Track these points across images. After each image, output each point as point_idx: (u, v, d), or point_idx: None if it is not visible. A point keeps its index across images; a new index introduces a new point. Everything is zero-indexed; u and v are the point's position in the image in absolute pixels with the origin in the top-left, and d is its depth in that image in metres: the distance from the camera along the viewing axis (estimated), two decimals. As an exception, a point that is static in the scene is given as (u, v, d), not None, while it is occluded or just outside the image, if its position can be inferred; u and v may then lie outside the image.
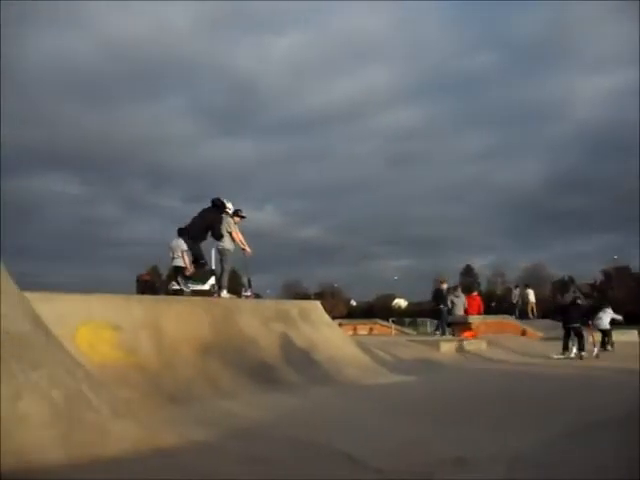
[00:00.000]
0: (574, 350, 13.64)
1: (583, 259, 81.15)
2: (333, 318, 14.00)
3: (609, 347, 15.70)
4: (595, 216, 79.40)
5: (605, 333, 15.87)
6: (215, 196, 11.24)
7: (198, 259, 11.01)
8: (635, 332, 20.07)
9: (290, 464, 4.04)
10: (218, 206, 11.00)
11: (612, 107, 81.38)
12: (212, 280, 11.07)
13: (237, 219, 11.14)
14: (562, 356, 13.56)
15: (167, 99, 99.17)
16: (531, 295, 24.97)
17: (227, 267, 10.89)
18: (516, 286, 28.66)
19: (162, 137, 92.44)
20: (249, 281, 11.88)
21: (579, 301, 14.67)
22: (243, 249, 11.10)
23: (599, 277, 63.48)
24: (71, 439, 3.62)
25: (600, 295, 60.59)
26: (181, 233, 11.74)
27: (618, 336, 20.98)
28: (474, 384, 9.00)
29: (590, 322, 15.40)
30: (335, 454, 4.22)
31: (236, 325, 8.65)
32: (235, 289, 11.89)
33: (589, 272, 65.75)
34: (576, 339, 13.73)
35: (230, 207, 11.13)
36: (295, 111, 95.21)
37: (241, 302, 10.72)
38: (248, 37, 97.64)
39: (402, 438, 4.84)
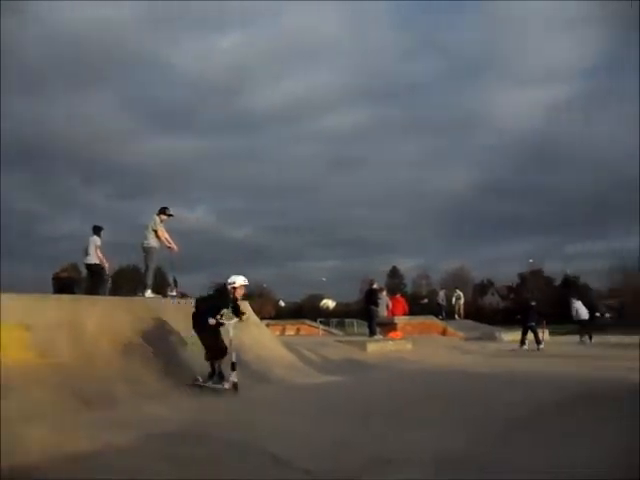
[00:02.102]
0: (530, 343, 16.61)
1: (503, 263, 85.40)
2: (261, 319, 13.87)
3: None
4: (515, 223, 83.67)
5: (532, 330, 17.39)
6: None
7: None
8: (546, 332, 21.33)
9: (217, 465, 3.95)
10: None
11: (539, 120, 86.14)
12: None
13: (164, 217, 10.78)
14: (524, 348, 16.46)
15: (104, 94, 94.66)
16: (461, 297, 25.96)
17: (151, 265, 10.52)
18: (442, 288, 29.68)
19: (97, 133, 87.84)
20: (175, 280, 11.52)
21: (533, 303, 18.12)
22: (169, 247, 10.75)
23: (516, 280, 67.08)
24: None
25: (516, 297, 64.18)
26: (96, 230, 11.35)
27: (530, 335, 22.23)
28: (400, 384, 9.20)
29: (544, 321, 18.53)
30: (263, 455, 4.16)
31: (161, 325, 8.38)
32: (160, 288, 11.51)
33: (507, 275, 69.47)
34: (533, 335, 16.71)
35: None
36: (235, 110, 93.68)
37: (166, 302, 10.39)
38: (190, 34, 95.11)
39: (330, 438, 4.84)
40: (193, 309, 7.68)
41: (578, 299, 20.76)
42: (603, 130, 79.62)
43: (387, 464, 4.04)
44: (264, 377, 8.54)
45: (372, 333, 16.42)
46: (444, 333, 20.52)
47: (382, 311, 17.82)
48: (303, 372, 9.63)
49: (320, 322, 36.72)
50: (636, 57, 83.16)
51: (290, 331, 28.81)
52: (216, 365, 7.46)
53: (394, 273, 72.55)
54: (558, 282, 63.25)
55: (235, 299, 7.77)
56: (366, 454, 4.29)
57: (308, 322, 35.51)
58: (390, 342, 15.23)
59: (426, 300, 27.23)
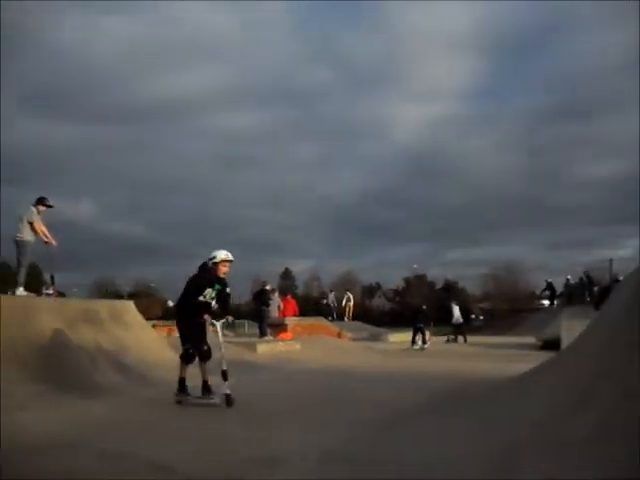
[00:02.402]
0: (419, 343, 18.33)
1: (389, 267, 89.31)
2: (147, 319, 13.29)
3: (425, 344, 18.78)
4: (402, 229, 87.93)
5: (421, 331, 18.91)
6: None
7: None
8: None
9: (92, 476, 3.71)
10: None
11: (427, 134, 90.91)
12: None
13: (42, 208, 9.93)
14: (415, 348, 18.06)
15: None
16: (351, 299, 26.70)
17: (25, 261, 9.65)
18: (331, 290, 30.34)
19: None
20: (52, 278, 10.68)
21: (424, 307, 19.84)
22: (46, 242, 9.91)
23: (401, 284, 70.51)
24: None
25: (401, 299, 67.46)
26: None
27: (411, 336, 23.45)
28: (288, 384, 9.25)
29: (432, 323, 20.25)
30: (142, 463, 3.98)
31: (34, 327, 7.70)
32: (34, 286, 10.58)
33: (393, 279, 72.85)
34: (421, 335, 18.47)
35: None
36: (122, 99, 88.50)
37: (41, 301, 9.60)
38: (76, 15, 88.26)
39: (213, 441, 4.76)
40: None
41: (457, 304, 22.38)
42: (481, 149, 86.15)
43: (270, 463, 4.04)
44: (148, 381, 8.17)
45: (262, 334, 16.39)
46: (334, 334, 21.02)
47: (273, 312, 17.87)
48: (189, 375, 9.34)
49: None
50: (512, 83, 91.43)
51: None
52: (202, 371, 6.82)
53: (286, 274, 73.04)
54: (439, 286, 67.43)
55: (218, 277, 6.96)
56: (250, 454, 4.26)
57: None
58: (280, 343, 15.29)
59: (325, 300, 27.70)
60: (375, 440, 4.93)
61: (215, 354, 6.87)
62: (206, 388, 6.83)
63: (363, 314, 36.58)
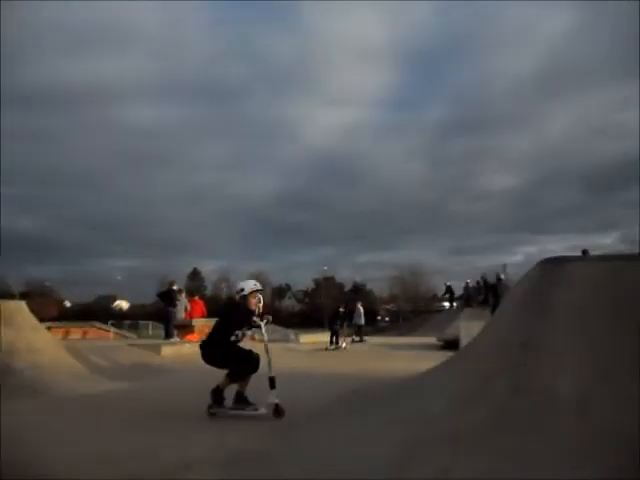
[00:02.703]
0: (341, 343, 19.12)
1: (300, 269, 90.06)
2: (41, 320, 12.39)
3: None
4: (313, 231, 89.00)
5: (336, 332, 19.62)
6: None
7: None
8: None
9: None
10: None
11: (340, 139, 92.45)
12: None
13: None
14: (331, 347, 18.68)
15: None
16: (261, 300, 26.46)
17: None
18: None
19: None
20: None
21: (341, 309, 20.61)
22: None
23: (311, 285, 71.29)
24: None
25: (311, 301, 68.17)
26: None
27: (319, 337, 23.78)
28: (195, 387, 9.01)
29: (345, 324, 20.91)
30: (30, 474, 3.70)
31: None
32: None
33: (304, 280, 73.54)
34: (336, 336, 19.13)
35: None
36: (41, 83, 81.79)
37: None
38: None
39: (110, 451, 4.53)
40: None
41: (362, 305, 23.00)
42: (392, 157, 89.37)
43: (179, 468, 3.93)
44: (40, 386, 7.62)
45: (168, 336, 15.87)
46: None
47: (180, 313, 17.37)
48: (88, 379, 8.84)
49: (112, 324, 34.33)
50: (423, 96, 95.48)
51: (76, 334, 26.30)
52: (240, 384, 6.16)
53: (195, 274, 71.36)
54: (348, 288, 68.92)
55: (250, 312, 6.32)
56: (159, 460, 4.13)
57: (98, 324, 32.88)
58: (187, 345, 14.86)
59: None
60: (283, 440, 4.93)
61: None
62: (242, 399, 6.23)
63: (273, 315, 36.48)
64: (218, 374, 6.25)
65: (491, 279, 23.80)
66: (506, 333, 5.31)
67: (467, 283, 32.14)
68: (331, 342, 19.17)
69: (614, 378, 3.78)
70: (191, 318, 18.25)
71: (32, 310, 10.27)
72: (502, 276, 22.23)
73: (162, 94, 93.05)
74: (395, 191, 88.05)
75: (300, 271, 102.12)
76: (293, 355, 15.72)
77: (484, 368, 5.10)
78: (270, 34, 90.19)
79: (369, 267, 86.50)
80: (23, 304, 10.29)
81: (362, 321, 22.23)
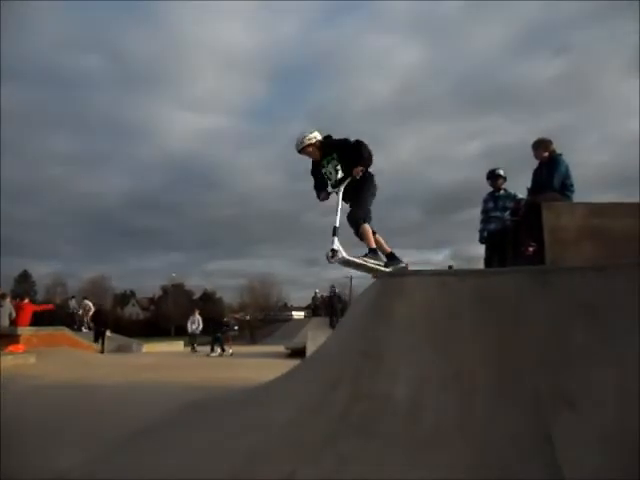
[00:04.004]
0: (218, 350, 19.42)
1: (148, 275, 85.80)
2: None
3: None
4: (164, 236, 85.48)
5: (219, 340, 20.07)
6: None
7: None
8: (181, 343, 22.28)
9: None
10: None
11: (199, 144, 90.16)
12: None
13: None
14: (213, 354, 19.16)
15: None
16: (91, 307, 24.67)
17: None
18: (73, 296, 27.79)
19: None
20: None
21: (225, 318, 21.55)
22: None
23: (158, 292, 68.30)
24: None
25: (156, 308, 65.24)
26: None
27: (165, 347, 22.89)
28: (16, 405, 8.05)
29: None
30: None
31: None
32: None
33: (151, 287, 70.17)
34: (219, 343, 19.64)
35: None
36: None
37: None
38: None
39: None
40: None
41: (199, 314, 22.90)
42: (251, 166, 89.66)
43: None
44: None
45: (-14, 346, 14.07)
46: (81, 346, 19.15)
47: (3, 320, 15.58)
48: None
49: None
50: (284, 108, 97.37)
51: None
52: None
53: (24, 277, 64.40)
54: (197, 296, 67.32)
55: None
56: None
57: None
58: (9, 357, 13.28)
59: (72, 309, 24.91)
60: (116, 456, 4.60)
61: None
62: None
63: (114, 323, 34.20)
64: (39, 393, 5.67)
65: (341, 292, 25.41)
66: (348, 342, 5.54)
67: (315, 293, 33.24)
68: (212, 349, 19.68)
69: (445, 382, 4.13)
70: (17, 326, 16.40)
71: None
72: (336, 290, 24.52)
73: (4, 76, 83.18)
74: (251, 200, 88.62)
75: (147, 277, 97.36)
76: (127, 366, 14.88)
77: (328, 376, 5.26)
78: (131, 29, 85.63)
79: (220, 275, 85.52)
80: None
81: (197, 331, 22.53)
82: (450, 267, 16.97)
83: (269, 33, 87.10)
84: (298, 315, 51.46)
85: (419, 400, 4.05)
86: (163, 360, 17.05)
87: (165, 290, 66.43)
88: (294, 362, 9.38)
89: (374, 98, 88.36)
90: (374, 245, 6.04)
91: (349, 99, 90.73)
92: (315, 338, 14.39)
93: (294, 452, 3.95)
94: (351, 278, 31.00)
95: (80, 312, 24.14)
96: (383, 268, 6.00)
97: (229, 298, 67.48)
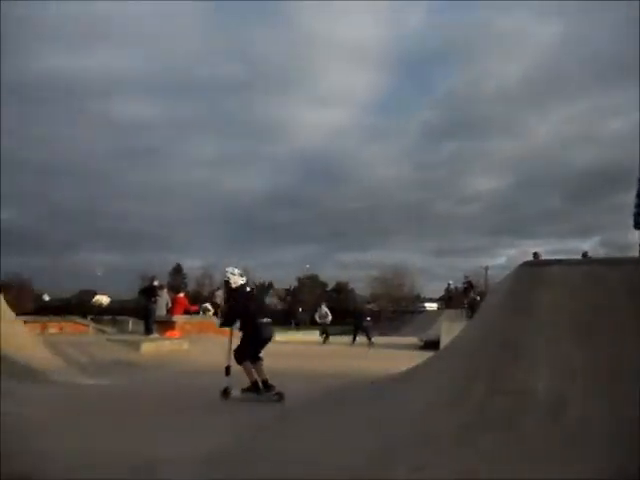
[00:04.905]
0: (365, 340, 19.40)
1: (283, 267, 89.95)
2: (19, 314, 12.20)
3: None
4: (298, 230, 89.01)
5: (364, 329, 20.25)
6: None
7: None
8: (317, 332, 23.01)
9: None
10: None
11: (327, 139, 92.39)
12: None
13: None
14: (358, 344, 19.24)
15: None
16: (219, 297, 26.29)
17: None
18: (218, 288, 29.85)
19: None
20: None
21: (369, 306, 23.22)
22: None
23: (294, 284, 71.20)
24: None
25: (292, 299, 68.13)
26: None
27: (301, 336, 23.76)
28: (172, 385, 8.94)
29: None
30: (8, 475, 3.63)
31: None
32: None
33: (287, 279, 73.41)
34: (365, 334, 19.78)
35: None
36: (12, 76, 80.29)
37: None
38: None
39: (84, 446, 4.46)
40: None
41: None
42: (378, 157, 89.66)
43: (153, 467, 3.88)
44: (16, 382, 7.49)
45: (148, 332, 15.72)
46: (225, 333, 20.66)
47: (161, 309, 17.25)
48: (66, 374, 8.72)
49: (91, 319, 33.95)
50: (411, 98, 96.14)
51: (53, 329, 25.94)
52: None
53: (177, 271, 70.78)
54: (331, 287, 69.04)
55: None
56: (127, 459, 4.05)
57: (76, 319, 32.48)
58: (167, 342, 14.75)
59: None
60: (262, 438, 4.90)
61: None
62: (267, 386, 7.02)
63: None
64: (199, 372, 6.20)
65: (476, 282, 24.41)
66: (485, 334, 5.35)
67: (449, 284, 32.39)
68: (354, 339, 20.04)
69: (589, 378, 3.83)
70: (173, 314, 18.13)
71: (9, 303, 10.09)
72: (471, 280, 23.30)
73: (150, 89, 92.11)
74: (380, 191, 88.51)
75: (284, 269, 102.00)
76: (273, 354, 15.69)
77: (463, 368, 5.13)
78: (260, 33, 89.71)
79: (352, 266, 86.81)
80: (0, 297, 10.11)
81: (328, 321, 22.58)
82: (584, 254, 15.51)
83: (393, 23, 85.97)
84: (431, 307, 50.62)
85: (562, 395, 3.80)
86: (300, 349, 17.79)
87: (300, 281, 69.07)
88: (428, 354, 9.26)
89: (506, 80, 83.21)
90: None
91: (479, 83, 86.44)
92: (449, 330, 14.06)
93: (427, 444, 3.92)
94: (486, 268, 29.67)
95: (219, 302, 25.87)
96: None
97: (360, 289, 68.29)
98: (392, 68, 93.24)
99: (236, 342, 7.28)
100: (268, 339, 7.27)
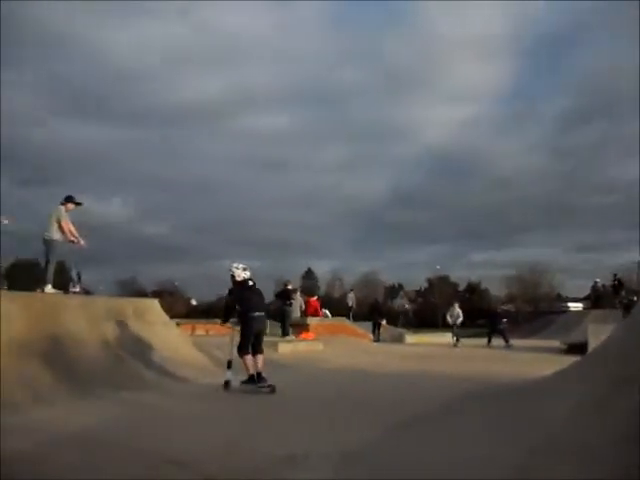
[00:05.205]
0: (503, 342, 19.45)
1: (412, 268, 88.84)
2: (171, 317, 13.47)
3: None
4: (426, 230, 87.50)
5: (500, 332, 20.16)
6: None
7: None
8: (449, 334, 22.36)
9: (113, 471, 3.79)
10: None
11: (453, 136, 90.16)
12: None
13: (70, 206, 10.09)
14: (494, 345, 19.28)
15: (14, 71, 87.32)
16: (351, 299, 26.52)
17: (53, 259, 9.83)
18: (351, 290, 30.27)
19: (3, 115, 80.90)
20: (79, 275, 10.83)
21: (499, 310, 22.13)
22: (72, 240, 10.02)
23: (424, 285, 70.03)
24: None
25: (423, 300, 67.03)
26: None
27: (433, 338, 23.25)
28: (310, 384, 9.28)
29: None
30: (161, 459, 4.04)
31: (61, 324, 7.87)
32: (62, 284, 10.77)
33: (416, 280, 72.40)
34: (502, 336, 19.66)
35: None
36: (159, 102, 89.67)
37: (67, 298, 9.80)
38: (122, 18, 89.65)
39: (232, 439, 4.80)
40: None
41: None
42: (509, 151, 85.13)
43: (289, 462, 4.06)
44: (171, 378, 8.29)
45: (285, 333, 16.46)
46: (357, 335, 20.96)
47: (295, 312, 17.95)
48: (212, 373, 9.44)
49: (232, 322, 36.23)
50: (542, 85, 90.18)
51: (200, 330, 28.14)
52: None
53: (309, 274, 73.13)
54: (462, 287, 66.81)
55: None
56: (269, 453, 4.29)
57: (219, 322, 34.84)
58: (302, 343, 15.34)
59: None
60: (397, 441, 4.91)
61: None
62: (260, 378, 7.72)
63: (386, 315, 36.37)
64: (326, 374, 6.38)
65: (626, 280, 21.99)
66: (637, 338, 4.87)
67: (595, 283, 29.74)
68: (489, 341, 19.90)
69: None
70: (306, 316, 18.79)
71: (163, 308, 11.18)
72: (621, 278, 20.94)
73: (276, 101, 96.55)
74: (514, 185, 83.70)
75: (413, 270, 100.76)
76: (397, 355, 15.60)
77: (615, 373, 4.72)
78: (384, 34, 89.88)
79: (483, 266, 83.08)
80: (155, 302, 11.25)
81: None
82: None
83: (520, 8, 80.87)
84: (576, 307, 46.76)
85: None
86: (431, 350, 17.48)
87: (430, 282, 67.78)
88: (572, 358, 8.61)
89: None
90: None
91: (616, 64, 77.93)
92: (597, 332, 12.89)
93: (569, 456, 3.67)
94: (639, 263, 26.60)
95: (351, 304, 26.10)
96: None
97: (494, 290, 65.12)
98: (522, 55, 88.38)
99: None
100: (260, 332, 7.91)
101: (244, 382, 7.71)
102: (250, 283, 8.02)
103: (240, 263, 8.04)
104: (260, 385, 7.57)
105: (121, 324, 8.98)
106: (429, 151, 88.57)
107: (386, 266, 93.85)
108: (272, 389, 7.47)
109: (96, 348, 7.98)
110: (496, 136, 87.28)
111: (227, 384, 7.79)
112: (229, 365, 7.95)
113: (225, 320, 8.20)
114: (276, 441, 4.74)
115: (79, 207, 10.34)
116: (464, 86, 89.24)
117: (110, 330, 8.62)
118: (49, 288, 9.62)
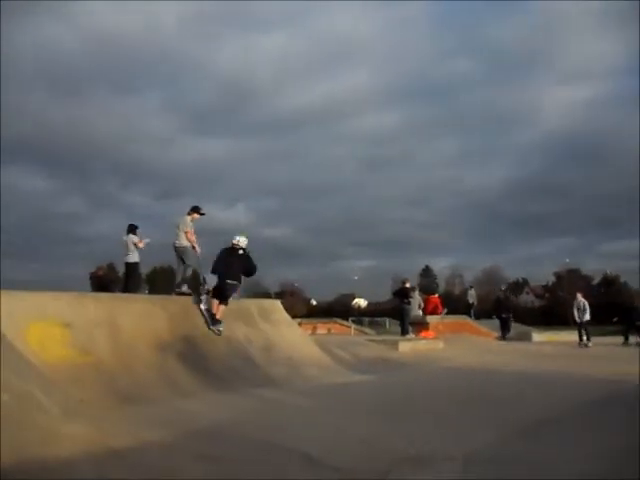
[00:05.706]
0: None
1: (537, 262, 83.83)
2: (293, 317, 13.96)
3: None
4: (551, 221, 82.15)
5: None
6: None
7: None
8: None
9: (246, 464, 4.01)
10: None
11: (578, 118, 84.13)
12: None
13: (195, 216, 10.87)
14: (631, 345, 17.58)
15: (142, 96, 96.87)
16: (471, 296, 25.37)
17: (190, 263, 10.60)
18: (471, 287, 29.09)
19: (135, 134, 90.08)
20: (204, 279, 11.60)
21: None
22: (193, 247, 10.78)
23: (551, 279, 65.65)
24: (20, 441, 3.50)
25: (551, 296, 62.82)
26: (131, 229, 11.56)
27: (563, 336, 21.53)
28: (431, 383, 9.14)
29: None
30: (292, 453, 4.21)
31: (194, 323, 8.53)
32: (196, 287, 11.64)
33: (542, 274, 68.11)
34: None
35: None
36: (273, 111, 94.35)
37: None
38: (232, 35, 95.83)
39: (360, 437, 4.86)
40: None
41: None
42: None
43: (416, 462, 4.05)
44: (295, 376, 8.59)
45: (404, 332, 16.34)
46: (480, 333, 20.24)
47: (414, 310, 17.71)
48: (334, 371, 9.65)
49: (352, 321, 36.66)
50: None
51: (322, 330, 28.88)
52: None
53: (426, 272, 71.80)
54: (596, 281, 61.72)
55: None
56: (396, 452, 4.30)
57: (340, 321, 35.53)
58: (422, 341, 15.13)
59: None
60: (521, 442, 4.71)
61: None
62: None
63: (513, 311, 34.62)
64: (448, 373, 6.23)
65: None
66: None
67: None
68: (626, 339, 18.38)
69: None
70: (426, 315, 18.47)
71: (285, 308, 11.62)
72: None
73: (391, 99, 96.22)
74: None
75: (537, 264, 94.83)
76: (524, 354, 14.75)
77: None
78: (492, 20, 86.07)
79: (619, 257, 75.90)
80: (278, 302, 11.74)
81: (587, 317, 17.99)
82: None
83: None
84: None
85: None
86: (561, 350, 16.29)
87: (559, 276, 63.32)
88: None
89: None
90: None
91: None
92: None
93: None
94: None
95: (472, 302, 25.04)
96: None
97: (634, 283, 59.15)
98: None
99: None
100: (227, 295, 9.08)
101: (210, 314, 8.85)
102: (241, 252, 9.42)
103: (242, 236, 9.62)
104: (214, 326, 8.72)
105: (248, 323, 9.50)
106: (550, 136, 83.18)
107: (510, 260, 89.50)
108: (219, 333, 8.68)
109: (226, 346, 8.52)
110: (625, 114, 79.48)
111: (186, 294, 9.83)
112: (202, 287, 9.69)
113: (214, 273, 9.53)
114: (402, 440, 4.73)
115: (203, 216, 11.12)
116: (581, 64, 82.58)
117: (238, 329, 9.14)
118: (185, 288, 10.40)
